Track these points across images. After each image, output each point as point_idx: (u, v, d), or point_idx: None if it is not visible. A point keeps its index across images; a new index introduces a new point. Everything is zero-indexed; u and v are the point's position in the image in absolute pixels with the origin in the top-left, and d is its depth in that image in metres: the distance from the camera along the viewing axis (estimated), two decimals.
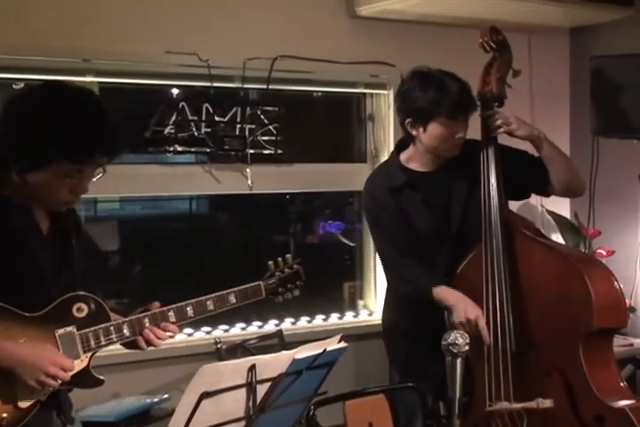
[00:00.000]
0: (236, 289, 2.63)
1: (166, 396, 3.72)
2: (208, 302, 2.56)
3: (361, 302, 4.79)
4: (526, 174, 3.42)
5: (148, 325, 2.45)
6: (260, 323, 4.41)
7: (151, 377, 3.94)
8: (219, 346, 3.78)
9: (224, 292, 2.60)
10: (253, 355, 2.97)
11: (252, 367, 2.14)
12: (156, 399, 3.70)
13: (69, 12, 3.77)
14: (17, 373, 2.21)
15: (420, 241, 3.41)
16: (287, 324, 4.47)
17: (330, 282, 4.81)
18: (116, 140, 2.31)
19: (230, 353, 3.77)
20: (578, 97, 4.98)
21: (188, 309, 2.52)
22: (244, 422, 2.20)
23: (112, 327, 2.40)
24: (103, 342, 2.39)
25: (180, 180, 4.18)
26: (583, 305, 3.10)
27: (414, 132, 3.35)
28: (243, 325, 4.36)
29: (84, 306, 2.37)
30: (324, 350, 2.27)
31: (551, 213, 4.89)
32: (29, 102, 2.29)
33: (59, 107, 2.25)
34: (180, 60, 3.99)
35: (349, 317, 4.70)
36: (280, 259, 2.78)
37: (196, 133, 4.09)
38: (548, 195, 3.57)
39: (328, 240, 4.94)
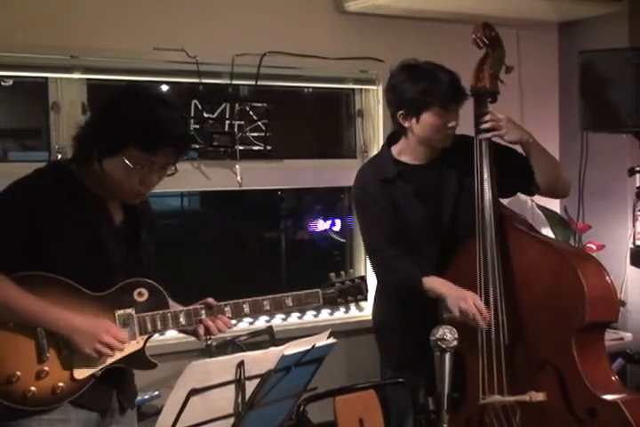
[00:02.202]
0: (293, 293, 2.73)
1: (157, 393, 3.71)
2: (265, 302, 2.68)
3: (345, 305, 4.76)
4: (513, 174, 3.40)
5: (204, 317, 2.60)
6: (250, 319, 4.40)
7: (141, 374, 3.91)
8: (209, 342, 3.77)
9: (281, 295, 2.71)
10: (244, 351, 2.97)
11: (241, 364, 2.14)
12: (146, 396, 3.68)
13: (57, 9, 3.76)
14: (74, 341, 2.39)
15: (411, 233, 3.40)
16: (278, 320, 4.46)
17: (320, 278, 4.79)
18: (185, 139, 2.54)
19: (221, 350, 3.77)
20: (567, 91, 4.99)
21: (244, 306, 2.67)
22: (233, 419, 2.19)
23: (169, 315, 2.56)
24: (159, 327, 2.54)
25: (169, 176, 4.15)
26: (576, 299, 3.11)
27: (407, 124, 3.35)
28: (233, 321, 4.34)
29: (144, 291, 2.54)
30: (313, 346, 2.27)
31: (541, 208, 4.90)
32: (114, 96, 2.52)
33: (139, 100, 2.47)
34: (168, 57, 3.98)
35: (340, 313, 4.69)
36: (342, 272, 2.88)
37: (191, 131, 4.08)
38: (532, 195, 3.61)
39: (318, 236, 4.94)
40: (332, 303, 2.83)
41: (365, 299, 2.91)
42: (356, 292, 2.85)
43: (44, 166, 2.60)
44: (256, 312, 2.69)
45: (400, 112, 3.34)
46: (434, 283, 3.31)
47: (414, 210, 3.40)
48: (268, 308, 2.68)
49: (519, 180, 3.42)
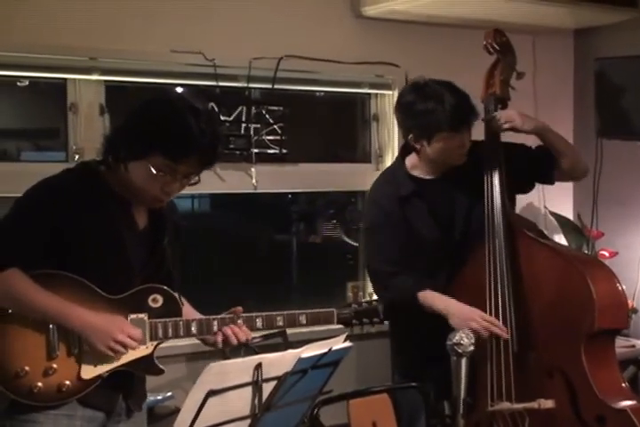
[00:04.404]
0: (307, 311, 2.74)
1: (170, 394, 3.73)
2: (278, 318, 2.70)
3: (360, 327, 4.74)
4: (530, 166, 3.45)
5: (216, 328, 2.62)
6: None
7: None
8: None
9: (295, 312, 2.73)
10: (257, 354, 2.99)
11: (259, 366, 2.15)
12: (159, 397, 3.70)
13: (76, 11, 3.78)
14: (88, 337, 2.41)
15: (424, 250, 3.39)
16: None
17: (333, 281, 4.82)
18: (212, 151, 2.49)
19: (234, 352, 3.77)
20: (582, 98, 4.99)
21: (257, 320, 2.68)
22: (249, 421, 2.21)
23: (181, 323, 2.57)
24: (170, 335, 2.56)
25: (191, 186, 4.16)
26: (585, 306, 3.11)
27: (418, 146, 3.32)
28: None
29: (159, 297, 2.56)
30: (330, 350, 2.29)
31: (554, 215, 4.90)
32: (148, 101, 2.56)
33: (171, 108, 2.47)
34: (185, 59, 4.00)
35: None
36: (360, 293, 2.87)
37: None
38: (553, 182, 3.58)
39: (331, 240, 4.95)
40: (346, 324, 2.82)
41: (381, 322, 2.89)
42: (372, 314, 2.84)
43: (73, 166, 2.62)
44: (269, 327, 2.71)
45: (410, 135, 3.31)
46: (433, 299, 3.29)
47: (428, 228, 3.39)
48: (280, 324, 2.70)
49: (538, 169, 3.45)
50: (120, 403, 2.59)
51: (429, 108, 3.22)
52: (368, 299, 2.92)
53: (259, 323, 2.67)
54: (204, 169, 2.53)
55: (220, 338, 2.62)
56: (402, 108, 3.35)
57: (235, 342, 2.63)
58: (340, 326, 2.83)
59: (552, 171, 3.46)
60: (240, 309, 2.66)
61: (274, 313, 2.69)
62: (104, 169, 2.54)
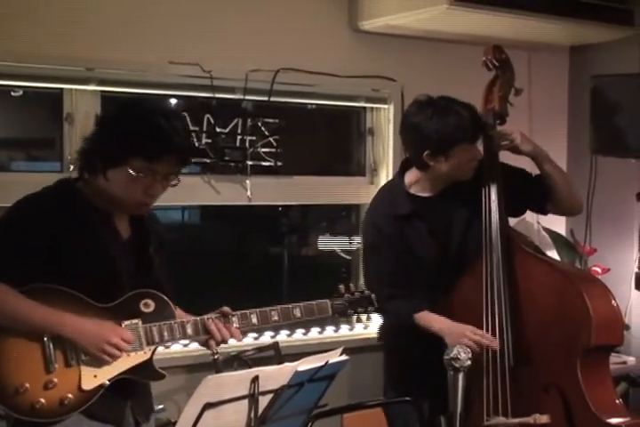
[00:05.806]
0: (301, 304, 2.73)
1: (161, 406, 3.70)
2: (273, 313, 2.68)
3: (356, 316, 4.77)
4: (525, 192, 3.42)
5: (211, 327, 2.60)
6: (255, 335, 4.39)
7: None
8: (215, 357, 3.77)
9: (290, 305, 2.71)
10: (250, 367, 2.98)
11: (255, 379, 2.14)
12: None
13: (73, 21, 3.78)
14: (80, 343, 2.41)
15: (422, 269, 3.37)
16: (283, 336, 4.46)
17: (325, 295, 4.78)
18: (187, 147, 2.57)
19: (227, 365, 3.77)
20: (576, 115, 5.01)
21: (252, 316, 2.65)
22: None
23: (176, 325, 2.56)
24: (166, 338, 2.55)
25: (180, 190, 4.11)
26: (581, 322, 3.12)
27: (432, 163, 3.26)
28: (243, 337, 4.34)
29: (150, 302, 2.55)
30: (326, 363, 2.28)
31: (547, 230, 4.91)
32: (117, 109, 2.64)
33: (139, 111, 2.54)
34: (182, 71, 4.00)
35: (345, 330, 4.70)
36: (352, 284, 2.87)
37: (196, 144, 4.09)
38: (545, 213, 3.58)
39: (324, 253, 4.94)
40: (342, 314, 2.81)
41: (376, 311, 2.89)
42: (366, 303, 2.84)
43: (51, 184, 2.61)
44: (264, 322, 2.68)
45: (426, 152, 3.24)
46: (427, 319, 3.29)
47: (427, 247, 3.37)
48: (276, 318, 2.68)
49: (532, 197, 3.44)
50: (127, 416, 2.57)
51: (450, 121, 3.18)
52: (360, 288, 2.87)
53: (254, 319, 2.65)
54: (182, 166, 2.56)
55: (211, 341, 2.61)
56: (415, 127, 3.26)
57: (219, 338, 2.60)
58: (339, 316, 2.86)
59: (546, 200, 3.43)
60: (227, 309, 2.65)
61: (268, 308, 2.67)
62: (81, 184, 2.56)
